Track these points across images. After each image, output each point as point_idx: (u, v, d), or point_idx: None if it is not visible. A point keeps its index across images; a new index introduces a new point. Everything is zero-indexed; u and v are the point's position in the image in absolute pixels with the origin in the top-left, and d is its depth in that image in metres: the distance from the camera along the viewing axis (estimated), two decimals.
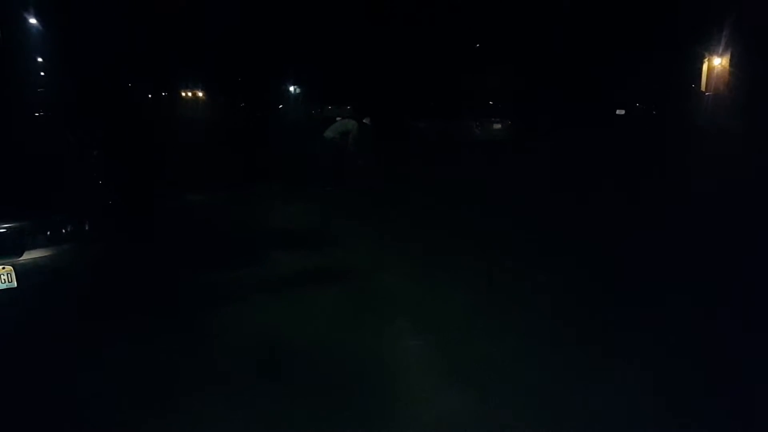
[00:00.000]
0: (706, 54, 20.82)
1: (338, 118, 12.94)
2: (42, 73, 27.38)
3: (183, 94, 56.82)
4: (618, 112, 18.52)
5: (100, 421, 3.05)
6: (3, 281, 3.94)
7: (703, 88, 21.18)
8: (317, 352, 3.73)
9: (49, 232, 4.17)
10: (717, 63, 20.81)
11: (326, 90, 30.48)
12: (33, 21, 24.98)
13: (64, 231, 4.25)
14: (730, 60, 20.39)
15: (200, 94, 55.18)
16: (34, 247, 4.08)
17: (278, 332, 4.08)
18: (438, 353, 3.71)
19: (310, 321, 4.27)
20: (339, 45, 28.25)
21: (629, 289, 4.86)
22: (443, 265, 5.56)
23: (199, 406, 3.11)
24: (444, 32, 26.30)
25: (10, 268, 3.96)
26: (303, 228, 7.28)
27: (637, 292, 4.76)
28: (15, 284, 3.95)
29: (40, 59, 28.19)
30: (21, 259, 4.02)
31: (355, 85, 29.06)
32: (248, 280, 5.19)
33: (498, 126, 16.56)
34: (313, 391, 3.26)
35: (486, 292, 4.91)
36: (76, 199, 4.70)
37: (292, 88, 41.93)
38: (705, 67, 21.37)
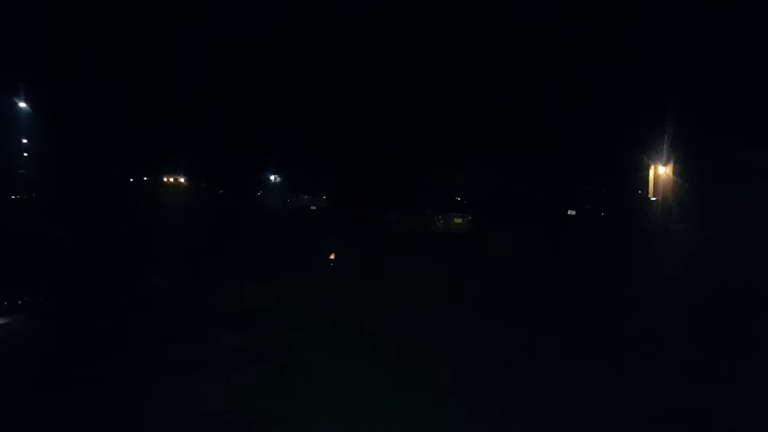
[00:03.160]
0: (651, 162, 22.81)
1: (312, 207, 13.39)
2: (25, 154, 28.20)
3: (165, 179, 58.28)
4: (569, 212, 19.97)
5: None
6: None
7: (650, 194, 22.95)
8: None
9: (5, 303, 4.61)
10: (662, 171, 22.74)
11: (301, 180, 31.99)
12: (22, 105, 26.17)
13: (20, 302, 4.69)
14: (674, 169, 22.38)
15: (182, 179, 56.66)
16: None
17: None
18: None
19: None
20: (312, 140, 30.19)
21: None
22: None
23: None
24: (411, 131, 28.58)
25: None
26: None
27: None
28: None
29: (24, 140, 29.17)
30: None
31: (329, 176, 30.69)
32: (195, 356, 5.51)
33: (459, 220, 17.64)
34: None
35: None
36: (36, 275, 5.18)
37: (272, 177, 43.53)
38: (651, 174, 23.29)
